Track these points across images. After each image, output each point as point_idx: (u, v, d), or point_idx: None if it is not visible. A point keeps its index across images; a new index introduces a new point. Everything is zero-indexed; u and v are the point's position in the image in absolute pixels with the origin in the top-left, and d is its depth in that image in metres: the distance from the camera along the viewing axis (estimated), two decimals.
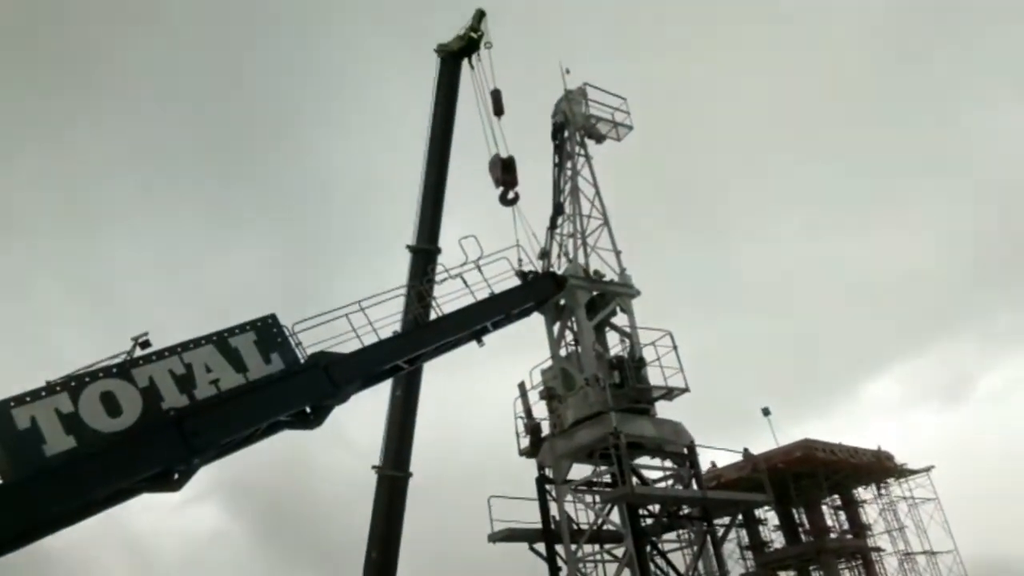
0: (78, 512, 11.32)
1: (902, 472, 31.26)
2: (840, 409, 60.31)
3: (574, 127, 21.28)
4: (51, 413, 10.91)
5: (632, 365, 18.16)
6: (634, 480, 16.48)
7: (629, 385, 17.77)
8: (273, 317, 13.46)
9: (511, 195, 21.34)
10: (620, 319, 19.40)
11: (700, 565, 17.36)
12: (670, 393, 18.10)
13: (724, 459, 26.32)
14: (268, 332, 13.24)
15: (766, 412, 29.82)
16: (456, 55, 23.14)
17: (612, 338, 19.43)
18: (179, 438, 11.59)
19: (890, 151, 71.30)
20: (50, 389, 11.12)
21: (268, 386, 12.81)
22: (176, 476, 11.88)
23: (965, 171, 68.08)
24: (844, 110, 71.35)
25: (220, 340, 12.64)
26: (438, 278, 17.71)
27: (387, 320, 15.30)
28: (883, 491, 31.75)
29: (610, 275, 19.76)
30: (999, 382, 68.19)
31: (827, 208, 73.33)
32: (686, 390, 18.10)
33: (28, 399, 10.87)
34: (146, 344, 11.96)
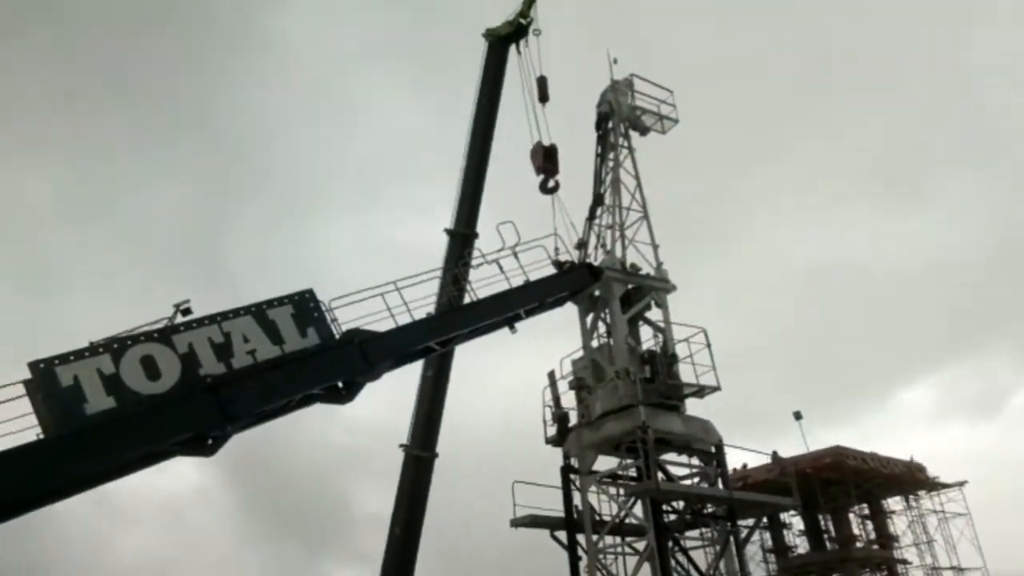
0: (114, 471, 11.64)
1: (934, 485, 30.66)
2: (868, 415, 59.04)
3: (619, 118, 21.09)
4: (93, 373, 11.23)
5: (664, 360, 18.04)
6: (660, 475, 16.43)
7: (660, 380, 17.66)
8: (311, 292, 13.65)
9: (551, 183, 21.28)
10: (654, 313, 19.29)
11: (722, 565, 17.25)
12: (701, 391, 17.97)
13: (753, 461, 26.10)
14: (305, 306, 13.43)
15: (798, 416, 29.46)
16: (504, 40, 23.08)
17: (645, 332, 19.34)
18: (215, 405, 11.84)
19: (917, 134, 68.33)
20: (93, 350, 11.43)
21: (303, 359, 13.01)
22: (210, 441, 12.15)
23: (999, 156, 65.18)
24: (867, 90, 68.87)
25: (259, 312, 12.86)
26: (474, 263, 17.76)
27: (422, 302, 15.44)
28: (913, 503, 31.17)
29: (647, 269, 19.64)
30: None
31: (851, 196, 70.74)
32: (717, 388, 17.95)
33: (72, 358, 11.20)
34: (187, 311, 12.22)
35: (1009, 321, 61.28)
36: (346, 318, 13.94)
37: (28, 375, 10.91)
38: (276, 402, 12.91)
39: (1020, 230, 64.42)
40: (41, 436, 10.73)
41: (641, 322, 19.31)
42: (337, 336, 13.69)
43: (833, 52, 68.00)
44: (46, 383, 10.90)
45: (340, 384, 13.80)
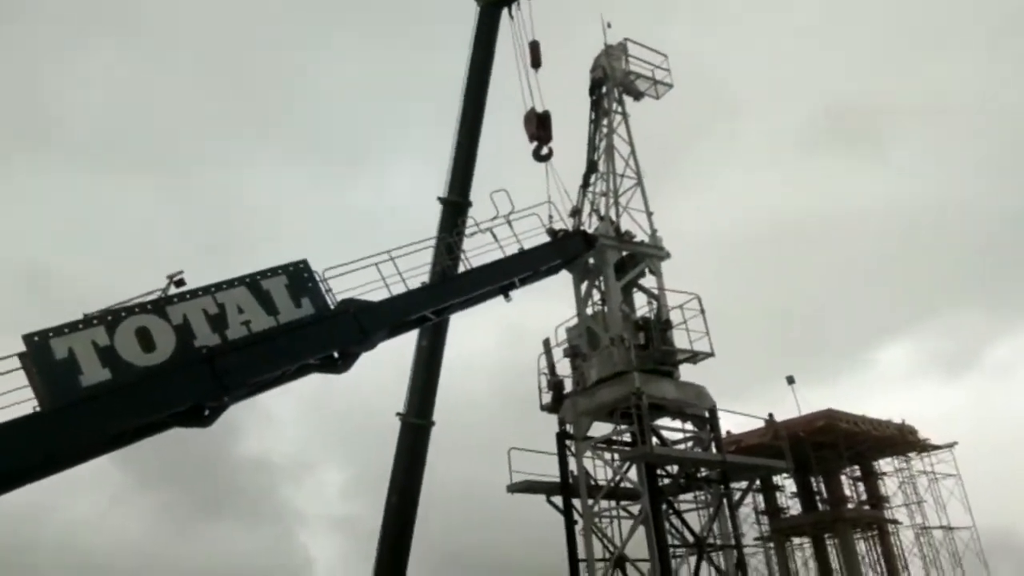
0: (110, 443, 11.72)
1: (924, 447, 31.04)
2: (846, 376, 58.73)
3: (612, 83, 20.90)
4: (88, 345, 11.23)
5: (658, 327, 18.13)
6: (654, 440, 16.61)
7: (654, 347, 17.77)
8: (304, 262, 13.61)
9: (544, 151, 21.14)
10: (648, 280, 19.33)
11: (715, 527, 17.53)
12: (695, 357, 18.07)
13: (747, 425, 26.36)
14: (299, 277, 13.41)
15: (790, 380, 29.72)
16: (495, 4, 22.72)
17: (639, 299, 19.41)
18: (210, 375, 11.89)
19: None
20: (87, 322, 11.42)
21: (298, 329, 13.03)
22: (207, 412, 12.21)
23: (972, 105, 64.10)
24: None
25: (252, 282, 12.84)
26: (468, 231, 17.72)
27: (416, 271, 15.43)
28: (904, 465, 31.60)
29: (641, 236, 19.62)
30: (1008, 353, 65.98)
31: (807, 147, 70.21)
32: (711, 354, 18.06)
33: (66, 330, 11.18)
34: (181, 282, 12.19)
35: (979, 277, 60.74)
36: (340, 288, 13.98)
37: (23, 347, 10.90)
38: (272, 372, 12.96)
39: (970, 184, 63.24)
40: (37, 409, 10.76)
41: (635, 289, 19.36)
42: (331, 306, 13.69)
43: None
44: (41, 356, 10.90)
45: (335, 354, 13.85)
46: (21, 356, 10.85)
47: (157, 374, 11.55)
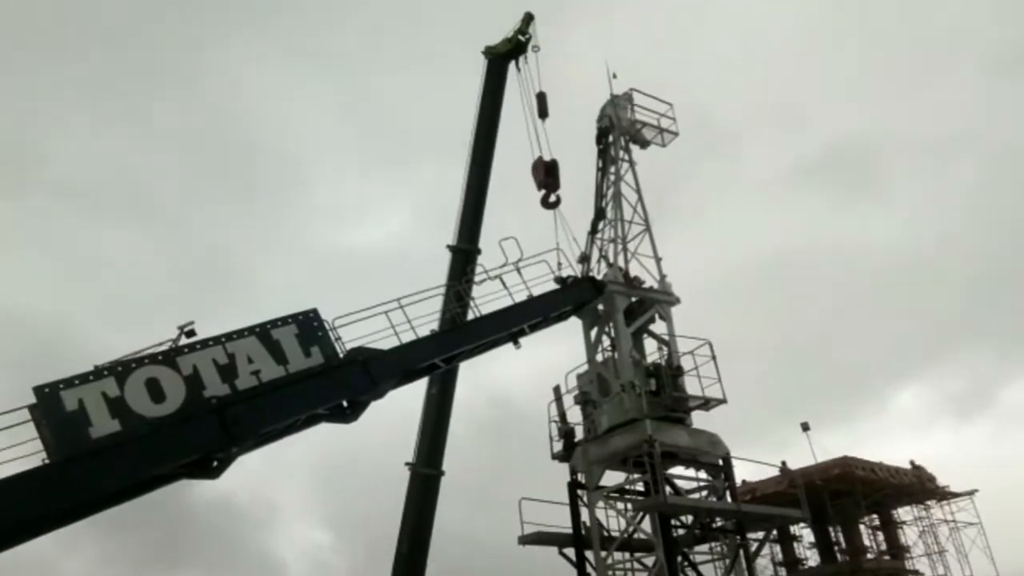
0: (118, 495, 11.62)
1: (944, 495, 30.42)
2: (858, 419, 57.41)
3: (619, 132, 21.15)
4: (98, 396, 11.24)
5: (669, 373, 17.98)
6: (667, 490, 16.32)
7: (666, 393, 17.60)
8: (315, 311, 13.66)
9: (552, 198, 21.36)
10: (659, 326, 19.25)
11: None
12: (707, 403, 17.88)
13: (760, 473, 25.91)
14: (309, 325, 13.44)
15: (805, 427, 29.31)
16: (503, 57, 23.24)
17: (650, 345, 19.29)
18: (220, 426, 11.83)
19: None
20: (98, 373, 11.44)
21: (308, 379, 13.02)
22: (215, 464, 12.12)
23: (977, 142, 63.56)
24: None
25: (263, 332, 12.88)
26: (477, 279, 17.78)
27: (425, 319, 15.45)
28: (924, 513, 30.92)
29: (650, 282, 19.62)
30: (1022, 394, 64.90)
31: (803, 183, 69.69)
32: (723, 401, 17.86)
33: (76, 382, 11.21)
34: (191, 333, 12.24)
35: (990, 317, 59.81)
36: (350, 336, 13.98)
37: (32, 399, 10.90)
38: (281, 422, 12.89)
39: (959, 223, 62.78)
40: (46, 461, 10.71)
41: (646, 335, 19.27)
42: (341, 355, 13.69)
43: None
44: (51, 407, 10.90)
45: (344, 403, 13.79)
46: (31, 408, 10.85)
47: (166, 425, 11.51)
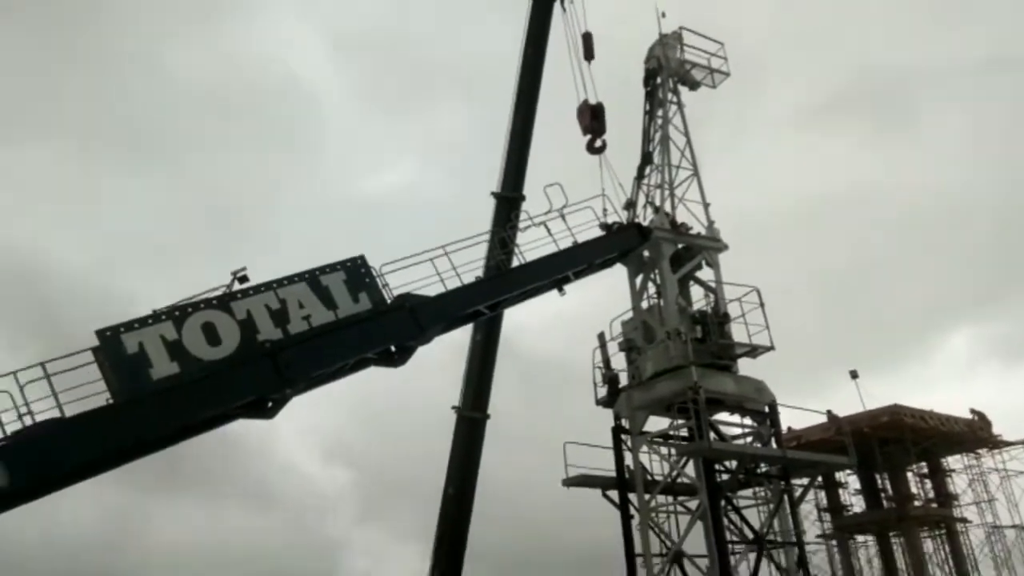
0: (177, 434, 12.12)
1: (996, 443, 29.85)
2: (907, 364, 55.30)
3: (667, 73, 20.58)
4: (157, 340, 11.61)
5: (716, 320, 17.84)
6: (712, 435, 16.35)
7: (711, 340, 17.50)
8: (362, 258, 13.83)
9: (598, 143, 20.97)
10: (705, 273, 19.02)
11: (775, 524, 17.19)
12: (754, 351, 17.74)
13: (807, 420, 25.72)
14: (357, 272, 13.63)
15: (854, 375, 28.93)
16: None
17: (696, 292, 19.10)
18: (273, 369, 12.18)
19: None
20: (156, 317, 11.80)
21: (357, 324, 13.27)
22: (270, 404, 12.52)
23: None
24: None
25: (312, 278, 13.11)
26: (521, 225, 17.71)
27: (470, 266, 15.52)
28: (974, 461, 30.45)
29: (697, 228, 19.31)
30: None
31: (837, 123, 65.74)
32: (771, 348, 17.70)
33: (137, 325, 11.59)
34: (244, 279, 12.52)
35: None
36: (396, 283, 14.14)
37: (96, 342, 11.34)
38: (331, 366, 13.21)
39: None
40: (110, 401, 11.18)
41: (692, 282, 19.07)
42: (388, 301, 13.87)
43: None
44: (113, 350, 11.31)
45: (392, 348, 14.03)
46: (94, 351, 11.29)
47: (223, 368, 11.89)
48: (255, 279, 12.68)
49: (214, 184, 60.84)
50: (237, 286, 12.50)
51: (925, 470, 30.02)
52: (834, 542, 29.98)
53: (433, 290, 14.65)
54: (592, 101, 21.19)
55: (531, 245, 16.79)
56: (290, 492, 49.01)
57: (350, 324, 13.20)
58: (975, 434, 28.76)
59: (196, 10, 66.47)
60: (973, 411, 28.91)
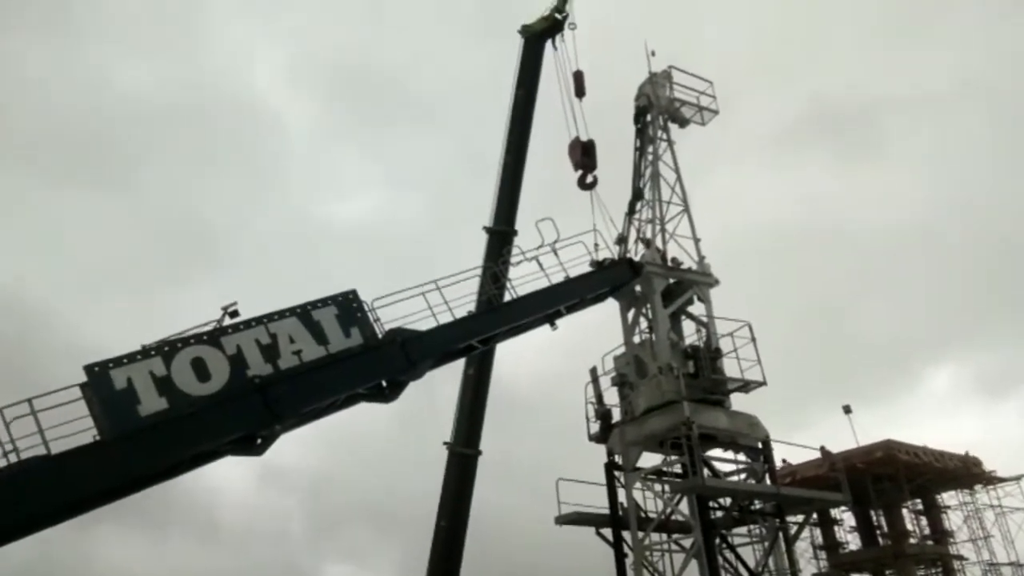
0: (165, 472, 11.94)
1: (990, 479, 29.76)
2: (893, 399, 54.11)
3: (657, 110, 20.87)
4: (146, 375, 11.51)
5: (708, 355, 17.82)
6: (705, 472, 16.24)
7: (704, 375, 17.46)
8: (354, 292, 13.81)
9: (590, 179, 21.19)
10: (697, 308, 19.06)
11: (771, 562, 16.99)
12: (747, 386, 17.71)
13: (800, 456, 25.62)
14: (348, 307, 13.59)
15: (847, 410, 28.90)
16: (540, 36, 23.02)
17: (688, 327, 19.12)
18: (263, 405, 12.06)
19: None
20: (145, 353, 11.71)
21: (348, 359, 13.18)
22: (259, 441, 12.38)
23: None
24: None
25: (304, 313, 13.06)
26: (514, 260, 17.76)
27: (462, 300, 15.49)
28: (969, 498, 30.30)
29: (688, 263, 19.40)
30: None
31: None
32: (763, 383, 17.67)
33: (125, 361, 11.49)
34: (235, 314, 12.46)
35: (1010, 284, 54.45)
36: (388, 317, 14.11)
37: (83, 378, 11.23)
38: (322, 401, 13.10)
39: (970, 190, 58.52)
40: (97, 438, 11.03)
41: (684, 317, 19.10)
42: (380, 336, 13.83)
43: None
44: (101, 386, 11.19)
45: (383, 383, 13.95)
46: (82, 386, 11.17)
47: (212, 404, 11.77)
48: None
49: (173, 207, 59.75)
50: (227, 320, 12.45)
51: (920, 507, 29.83)
52: None
53: (425, 325, 14.64)
54: (583, 138, 21.47)
55: (523, 279, 16.83)
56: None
57: (341, 359, 13.12)
58: (969, 470, 28.68)
59: (158, 28, 65.62)
60: (967, 455, 28.89)
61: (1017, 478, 30.16)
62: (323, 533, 49.03)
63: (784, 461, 26.04)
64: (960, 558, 29.25)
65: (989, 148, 59.56)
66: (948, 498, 30.33)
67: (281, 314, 12.87)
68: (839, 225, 60.68)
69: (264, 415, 12.10)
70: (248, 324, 12.54)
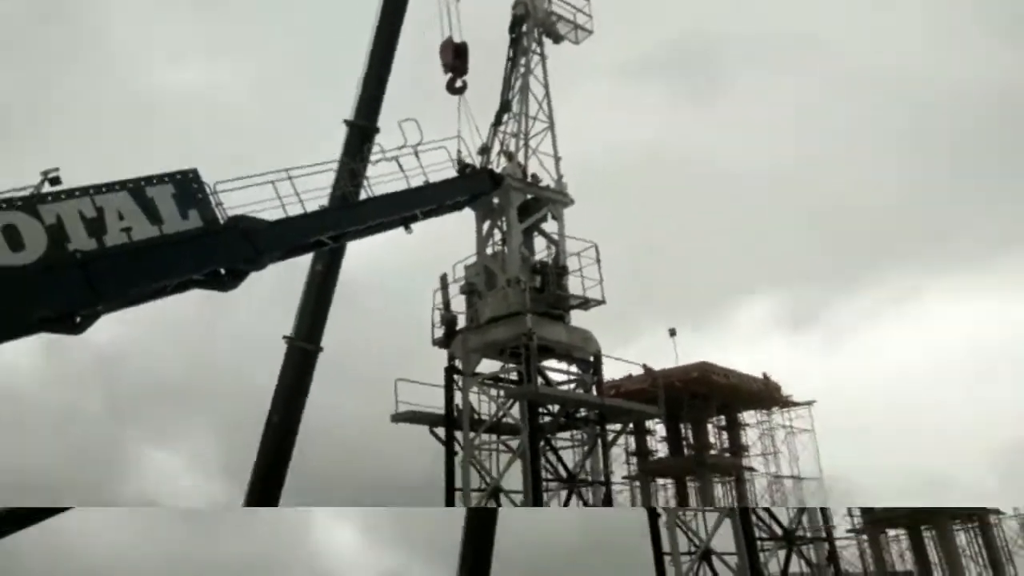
0: None
1: (786, 403, 33.50)
2: (709, 327, 59.38)
3: (533, 22, 20.62)
4: None
5: (555, 272, 18.49)
6: (539, 380, 17.14)
7: (549, 291, 18.15)
8: (195, 172, 12.96)
9: (459, 83, 20.75)
10: (550, 225, 19.58)
11: (587, 464, 18.44)
12: (587, 303, 18.61)
13: (627, 371, 27.51)
14: (188, 187, 12.78)
15: (672, 332, 31.09)
16: None
17: (539, 244, 19.66)
18: (84, 282, 11.25)
19: None
20: None
21: (184, 242, 12.48)
22: (78, 320, 11.59)
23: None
24: None
25: (136, 188, 12.13)
26: (373, 158, 17.31)
27: (315, 194, 14.91)
28: (766, 418, 34.03)
29: (547, 180, 19.76)
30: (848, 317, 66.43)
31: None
32: (602, 302, 18.63)
33: None
34: (56, 180, 11.36)
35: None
36: (232, 203, 13.39)
37: None
38: (152, 284, 12.39)
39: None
40: None
41: (536, 233, 19.59)
42: (222, 221, 13.15)
43: None
44: None
45: (222, 271, 13.38)
46: None
47: (25, 276, 10.82)
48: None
49: None
50: (47, 188, 11.34)
51: (724, 423, 33.17)
52: (637, 483, 32.60)
53: (273, 215, 14.05)
54: (456, 39, 20.86)
55: (381, 179, 16.49)
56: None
57: (176, 241, 12.40)
58: (771, 394, 32.08)
59: None
60: (764, 375, 32.21)
61: (808, 403, 34.21)
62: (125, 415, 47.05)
63: (611, 380, 27.92)
64: (751, 469, 33.04)
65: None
66: (748, 417, 33.89)
67: (110, 187, 11.89)
68: (692, 155, 62.87)
69: (85, 293, 11.31)
70: (71, 194, 11.50)
